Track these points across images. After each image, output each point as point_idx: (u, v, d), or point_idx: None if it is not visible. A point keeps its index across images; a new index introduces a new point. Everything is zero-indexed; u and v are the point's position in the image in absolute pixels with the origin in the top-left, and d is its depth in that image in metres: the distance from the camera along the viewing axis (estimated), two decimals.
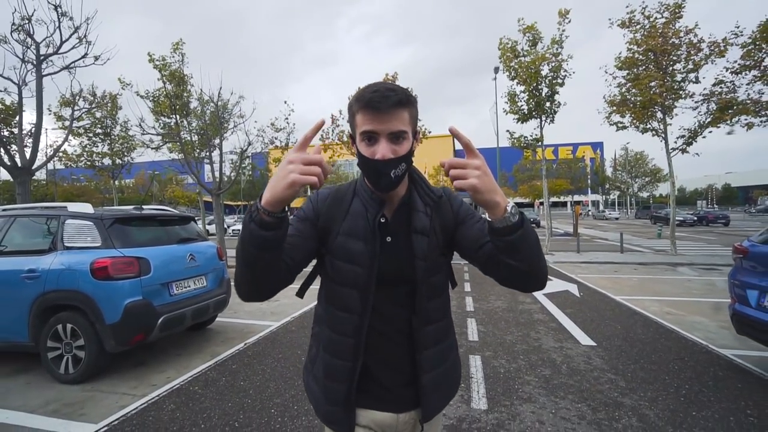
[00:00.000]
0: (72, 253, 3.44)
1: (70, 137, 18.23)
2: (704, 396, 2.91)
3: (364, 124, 0.85)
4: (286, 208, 0.78)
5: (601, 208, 57.75)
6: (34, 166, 6.96)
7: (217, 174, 17.35)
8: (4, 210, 4.02)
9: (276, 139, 17.75)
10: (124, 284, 3.35)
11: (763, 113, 12.21)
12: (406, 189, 0.99)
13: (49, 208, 3.87)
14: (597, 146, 66.07)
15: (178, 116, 17.66)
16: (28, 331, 3.40)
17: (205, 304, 4.11)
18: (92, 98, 19.38)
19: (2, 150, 6.45)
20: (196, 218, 4.85)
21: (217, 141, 16.34)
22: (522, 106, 13.62)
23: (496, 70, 19.51)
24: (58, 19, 6.61)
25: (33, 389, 3.21)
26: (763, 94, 12.23)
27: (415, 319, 0.96)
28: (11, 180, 7.09)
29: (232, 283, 4.53)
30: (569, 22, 12.67)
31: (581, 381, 3.22)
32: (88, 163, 21.49)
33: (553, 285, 7.33)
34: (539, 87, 13.31)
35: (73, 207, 3.80)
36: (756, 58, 11.62)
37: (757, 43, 11.60)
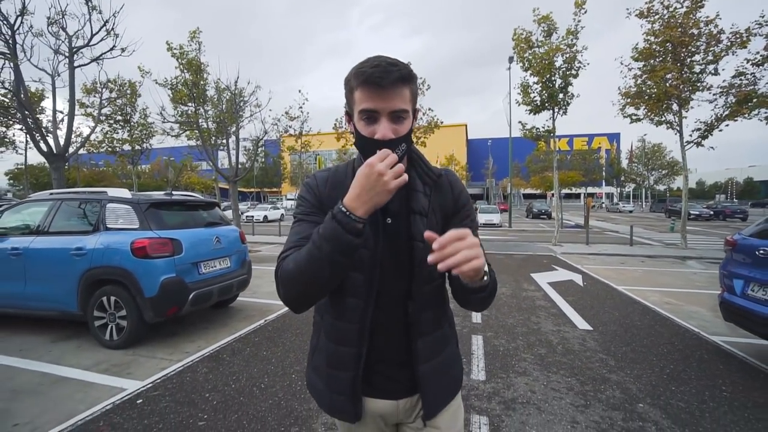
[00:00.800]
0: (113, 233, 3.84)
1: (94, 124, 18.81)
2: (686, 375, 3.17)
3: (364, 101, 0.81)
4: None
5: (615, 200, 56.84)
6: (68, 153, 7.43)
7: (233, 161, 17.82)
8: (51, 194, 4.44)
9: (290, 127, 18.13)
10: (161, 262, 3.74)
11: None
12: (405, 166, 0.94)
13: (92, 192, 4.27)
14: (613, 138, 64.67)
15: (195, 104, 18.13)
16: (77, 302, 3.83)
17: (229, 283, 4.50)
18: (115, 87, 19.97)
19: (38, 137, 6.90)
20: (220, 204, 5.22)
21: (233, 129, 16.75)
22: (535, 97, 13.60)
23: (511, 59, 19.36)
24: (89, 12, 6.99)
25: (84, 351, 3.65)
26: None
27: (411, 305, 0.93)
28: (39, 166, 7.52)
29: (253, 266, 4.89)
30: (585, 12, 12.52)
31: (574, 359, 3.50)
32: (109, 149, 22.17)
33: (559, 274, 7.55)
34: (553, 78, 13.26)
35: (113, 192, 4.19)
36: None
37: None
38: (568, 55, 13.05)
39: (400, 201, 0.93)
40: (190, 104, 17.82)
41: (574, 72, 13.31)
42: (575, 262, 9.23)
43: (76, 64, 7.46)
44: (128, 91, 20.97)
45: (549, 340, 4.02)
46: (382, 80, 0.78)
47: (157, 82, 17.65)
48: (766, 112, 11.77)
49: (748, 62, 11.80)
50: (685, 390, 2.90)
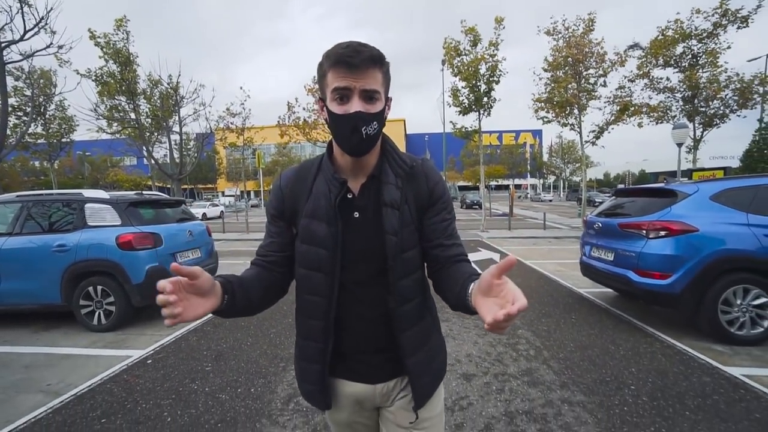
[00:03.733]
0: (96, 230, 4.30)
1: None
2: (553, 312, 4.59)
3: (335, 80, 0.81)
4: (224, 297, 0.83)
5: (538, 191, 63.01)
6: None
7: (173, 158, 17.25)
8: (18, 196, 4.68)
9: (232, 123, 17.98)
10: (145, 253, 4.30)
11: (652, 114, 14.96)
12: (377, 160, 0.95)
13: (66, 194, 4.61)
14: (536, 134, 71.14)
15: (126, 98, 17.21)
16: (60, 294, 4.23)
17: None
18: (22, 75, 18.05)
19: None
20: (186, 202, 5.73)
21: (173, 125, 16.26)
22: (463, 100, 15.25)
23: (443, 62, 21.08)
24: (21, 6, 6.76)
25: (73, 336, 4.11)
26: (651, 99, 14.97)
27: (390, 299, 0.92)
28: None
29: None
30: (503, 28, 14.36)
31: None
32: (21, 144, 20.05)
33: (481, 255, 9.06)
34: (478, 84, 15.00)
35: (89, 193, 4.60)
36: (646, 69, 14.19)
37: (648, 57, 14.13)
38: (490, 64, 14.84)
39: (369, 194, 0.93)
40: (120, 98, 16.90)
41: (495, 79, 15.16)
42: (497, 245, 10.93)
43: (6, 59, 7.16)
44: (41, 81, 19.06)
45: None
46: (352, 59, 0.78)
47: (78, 73, 16.49)
48: (638, 119, 14.63)
49: (625, 78, 14.54)
50: (550, 320, 4.28)
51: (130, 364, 3.34)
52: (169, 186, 27.75)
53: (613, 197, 5.05)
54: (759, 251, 3.44)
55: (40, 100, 18.23)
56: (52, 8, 6.99)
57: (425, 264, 0.99)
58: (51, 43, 7.30)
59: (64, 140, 20.01)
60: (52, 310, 4.37)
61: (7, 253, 4.26)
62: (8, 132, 19.85)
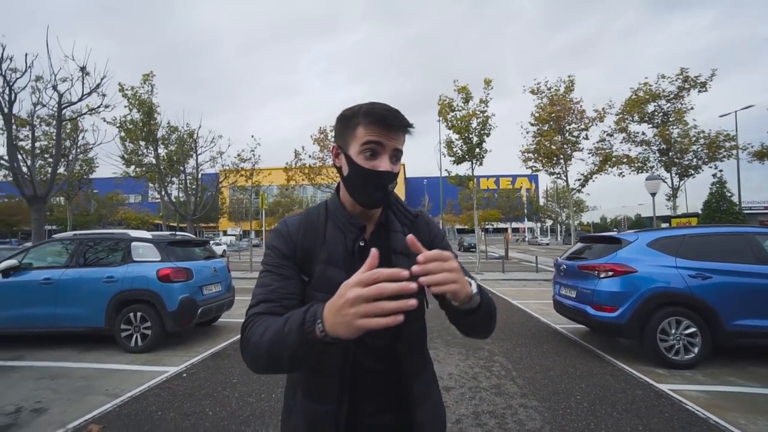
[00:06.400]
0: (140, 264, 5.12)
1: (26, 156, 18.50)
2: (528, 343, 5.27)
3: (371, 134, 0.83)
4: None
5: (536, 234, 63.93)
6: (47, 196, 8.13)
7: (189, 199, 18.37)
8: (75, 235, 5.55)
9: (242, 169, 19.29)
10: (178, 285, 5.08)
11: (632, 165, 16.23)
12: (381, 210, 0.97)
13: (115, 233, 5.49)
14: (533, 178, 73.42)
15: (146, 143, 18.69)
16: (104, 319, 4.96)
17: (221, 302, 5.87)
18: (53, 121, 19.65)
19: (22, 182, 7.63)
20: (210, 241, 6.59)
21: (189, 168, 17.52)
22: (457, 151, 16.60)
23: (439, 114, 22.91)
24: (83, 76, 8.08)
25: (114, 355, 4.78)
26: (630, 150, 16.33)
27: (401, 346, 0.89)
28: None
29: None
30: (492, 89, 16.03)
31: (466, 340, 5.45)
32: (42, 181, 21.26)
33: None
34: (470, 136, 16.42)
35: (134, 233, 5.47)
36: (623, 125, 15.66)
37: (624, 115, 15.65)
38: (481, 119, 16.34)
39: (379, 241, 0.92)
40: (141, 143, 18.35)
41: (486, 132, 16.61)
42: (490, 286, 11.61)
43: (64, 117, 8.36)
44: (68, 126, 20.64)
45: (454, 331, 5.95)
46: (393, 123, 0.84)
47: (106, 121, 18.05)
48: (619, 170, 15.87)
49: (604, 133, 15.99)
50: (523, 349, 4.97)
51: (169, 377, 4.02)
52: (175, 225, 28.70)
53: (579, 243, 5.91)
54: (685, 289, 4.25)
55: (67, 143, 19.68)
56: (105, 76, 8.33)
57: (444, 307, 0.88)
58: (101, 104, 8.57)
59: (83, 179, 21.20)
60: (93, 334, 5.07)
61: (65, 282, 5.05)
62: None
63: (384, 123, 0.83)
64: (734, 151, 14.95)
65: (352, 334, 0.61)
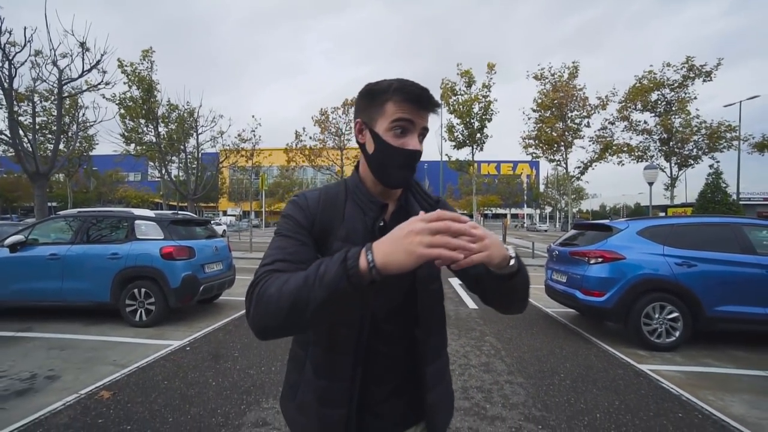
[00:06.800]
0: (143, 242, 5.25)
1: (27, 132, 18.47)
2: (519, 325, 5.48)
3: (401, 112, 0.81)
4: None
5: (534, 220, 64.16)
6: (50, 172, 8.19)
7: (189, 179, 18.42)
8: (80, 212, 5.67)
9: (243, 149, 19.28)
10: (181, 263, 5.23)
11: (632, 153, 16.24)
12: (401, 192, 0.95)
13: (119, 212, 5.60)
14: (534, 165, 73.07)
15: (146, 121, 18.59)
16: (109, 294, 5.13)
17: (223, 281, 6.04)
18: (51, 96, 19.49)
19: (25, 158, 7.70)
20: (211, 221, 6.72)
21: (190, 147, 17.49)
22: (458, 136, 16.58)
23: (441, 98, 22.72)
24: (83, 52, 8.01)
25: (119, 329, 4.97)
26: (631, 139, 16.31)
27: (418, 331, 0.89)
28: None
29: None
30: (495, 73, 15.87)
31: (459, 320, 5.66)
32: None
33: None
34: (472, 121, 16.37)
35: (137, 212, 5.59)
36: (625, 113, 15.60)
37: (627, 103, 15.56)
38: (483, 104, 16.25)
39: (399, 222, 0.77)
40: (141, 120, 18.26)
41: (488, 117, 16.55)
42: None
43: (64, 94, 8.35)
44: (67, 102, 20.47)
45: (448, 313, 6.16)
46: (424, 102, 0.82)
47: (105, 97, 17.91)
48: (619, 158, 15.90)
49: (606, 121, 15.94)
50: (514, 331, 5.18)
51: (173, 350, 4.21)
52: (176, 204, 28.75)
53: (573, 230, 6.05)
54: (670, 276, 4.40)
55: (66, 120, 19.55)
56: (105, 52, 8.26)
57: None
58: (102, 81, 8.53)
59: (83, 156, 21.19)
60: (99, 308, 5.26)
61: (71, 258, 5.19)
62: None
63: (417, 101, 0.82)
64: (735, 142, 14.96)
65: (411, 262, 0.62)
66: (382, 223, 0.89)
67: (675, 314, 4.37)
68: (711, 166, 11.04)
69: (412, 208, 0.94)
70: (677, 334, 4.37)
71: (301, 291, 0.68)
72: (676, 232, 4.64)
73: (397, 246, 0.64)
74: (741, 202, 15.95)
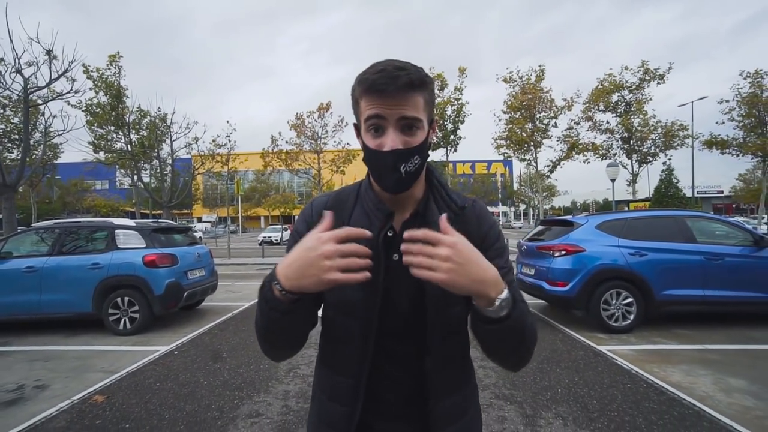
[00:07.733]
0: (125, 251, 5.29)
1: None
2: None
3: (369, 108, 0.69)
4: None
5: (509, 218, 66.02)
6: (18, 183, 7.94)
7: (164, 186, 18.01)
8: (56, 224, 5.62)
9: (217, 154, 19.04)
10: (165, 270, 5.30)
11: (596, 152, 17.17)
12: (423, 193, 0.82)
13: (98, 222, 5.60)
14: (507, 164, 75.02)
15: (115, 128, 18.10)
16: (92, 304, 5.14)
17: (206, 287, 6.12)
18: (9, 103, 18.64)
19: None
20: (192, 229, 6.77)
21: (164, 153, 17.13)
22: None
23: None
24: (50, 60, 7.82)
25: (102, 338, 4.99)
26: (596, 138, 17.25)
27: (429, 360, 0.78)
28: None
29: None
30: (466, 76, 16.43)
31: None
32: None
33: None
34: (445, 123, 16.87)
35: (117, 221, 5.61)
36: (589, 114, 16.50)
37: (590, 104, 16.47)
38: (455, 106, 16.78)
39: None
40: (110, 127, 17.75)
41: (461, 119, 17.10)
42: None
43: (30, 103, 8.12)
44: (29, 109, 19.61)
45: None
46: (387, 86, 0.67)
47: (69, 104, 17.32)
48: (585, 157, 16.79)
49: (572, 121, 16.80)
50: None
51: (161, 354, 4.31)
52: (149, 212, 27.90)
53: (539, 225, 6.49)
54: (625, 265, 4.87)
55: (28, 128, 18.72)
56: (74, 60, 8.10)
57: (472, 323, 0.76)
58: (71, 89, 8.35)
59: (47, 165, 20.32)
60: (81, 318, 5.25)
61: (49, 270, 5.16)
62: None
63: (376, 90, 0.68)
64: (687, 140, 16.12)
65: (321, 288, 0.62)
66: (390, 233, 0.78)
67: (630, 299, 4.84)
68: (664, 164, 11.91)
69: (433, 215, 0.79)
70: (632, 317, 4.84)
71: (258, 317, 0.75)
72: (629, 225, 5.12)
73: (304, 271, 0.62)
74: (697, 196, 17.19)
